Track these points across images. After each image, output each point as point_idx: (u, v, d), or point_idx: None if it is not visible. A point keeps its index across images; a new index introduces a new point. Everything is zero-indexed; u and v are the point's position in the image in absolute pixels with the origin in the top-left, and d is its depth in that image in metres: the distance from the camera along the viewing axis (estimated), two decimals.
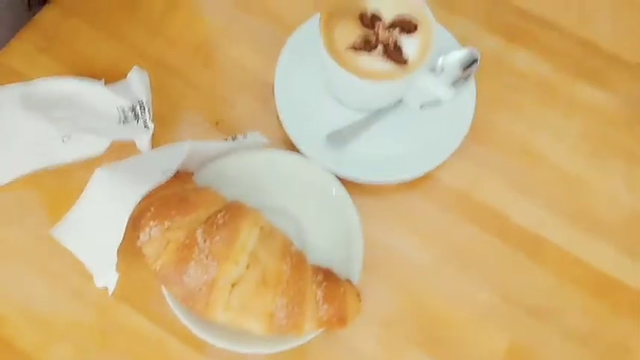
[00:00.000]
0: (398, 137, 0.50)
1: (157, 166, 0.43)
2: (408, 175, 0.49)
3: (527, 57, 0.55)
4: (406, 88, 0.48)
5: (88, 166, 0.48)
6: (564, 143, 0.52)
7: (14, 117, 0.50)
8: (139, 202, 0.41)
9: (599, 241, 0.49)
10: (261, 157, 0.48)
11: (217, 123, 0.52)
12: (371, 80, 0.44)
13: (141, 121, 0.50)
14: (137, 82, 0.51)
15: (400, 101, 0.50)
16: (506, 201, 0.50)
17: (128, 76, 0.52)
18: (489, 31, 0.57)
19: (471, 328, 0.47)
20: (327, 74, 0.49)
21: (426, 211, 0.50)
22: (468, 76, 0.51)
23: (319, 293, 0.41)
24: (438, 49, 0.47)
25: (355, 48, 0.45)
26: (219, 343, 0.41)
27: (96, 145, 0.48)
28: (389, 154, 0.50)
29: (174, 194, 0.42)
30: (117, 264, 0.41)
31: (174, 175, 0.44)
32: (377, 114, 0.50)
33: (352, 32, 0.46)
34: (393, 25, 0.46)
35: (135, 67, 0.52)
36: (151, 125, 0.50)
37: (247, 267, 0.39)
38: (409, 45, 0.46)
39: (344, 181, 0.48)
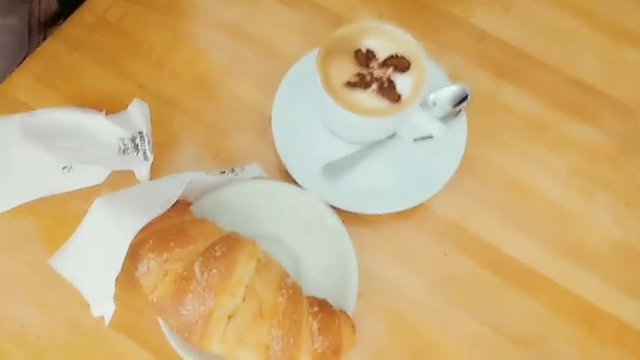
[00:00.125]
0: (392, 169, 0.52)
1: (156, 197, 0.44)
2: (401, 207, 0.50)
3: (516, 93, 0.57)
4: (400, 123, 0.50)
5: (87, 195, 0.49)
6: (553, 177, 0.54)
7: (15, 146, 0.51)
8: (138, 234, 0.41)
9: (587, 273, 0.50)
10: (258, 188, 0.49)
11: (217, 155, 0.53)
12: (366, 116, 0.46)
13: (140, 152, 0.51)
14: (138, 113, 0.52)
15: (394, 135, 0.52)
16: (497, 233, 0.51)
17: (129, 107, 0.53)
18: (479, 67, 0.59)
19: (461, 357, 0.47)
20: (323, 109, 0.50)
21: (419, 241, 0.51)
22: (459, 111, 0.52)
23: (315, 325, 0.41)
24: (430, 85, 0.49)
25: (351, 85, 0.47)
26: None
27: (96, 175, 0.49)
28: (383, 186, 0.51)
29: (173, 226, 0.42)
30: (115, 294, 0.41)
31: (173, 205, 0.45)
32: (371, 147, 0.52)
33: (348, 69, 0.47)
34: (387, 64, 0.48)
35: (135, 99, 0.53)
36: (150, 156, 0.51)
37: (244, 299, 0.40)
38: (403, 82, 0.47)
39: (339, 212, 0.49)
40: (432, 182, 0.51)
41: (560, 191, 0.53)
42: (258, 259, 0.43)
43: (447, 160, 0.52)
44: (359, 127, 0.49)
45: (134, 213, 0.43)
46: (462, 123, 0.53)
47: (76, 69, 0.56)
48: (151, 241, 0.41)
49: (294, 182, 0.50)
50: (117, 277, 0.41)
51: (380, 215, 0.51)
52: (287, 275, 0.44)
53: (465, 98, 0.53)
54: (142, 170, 0.50)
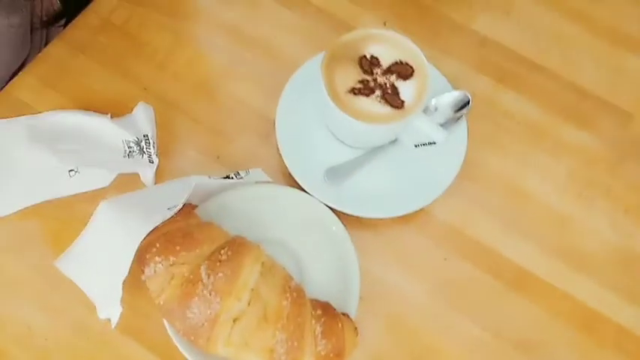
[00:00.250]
0: (393, 174, 0.52)
1: (162, 201, 0.45)
2: (402, 212, 0.51)
3: (517, 98, 0.58)
4: (402, 129, 0.50)
5: (92, 198, 0.49)
6: (553, 183, 0.55)
7: (20, 148, 0.51)
8: (145, 237, 0.42)
9: (586, 278, 0.51)
10: (262, 192, 0.50)
11: (218, 157, 0.54)
12: (369, 123, 0.46)
13: (146, 155, 0.51)
14: (143, 117, 0.53)
15: (396, 140, 0.53)
16: (497, 237, 0.52)
17: (134, 110, 0.54)
18: (480, 72, 0.59)
19: None
20: (327, 115, 0.51)
21: (420, 246, 0.52)
22: (460, 117, 0.53)
23: (318, 328, 0.42)
24: (432, 91, 0.49)
25: (355, 92, 0.47)
26: None
27: (101, 178, 0.50)
28: (385, 190, 0.52)
29: (179, 229, 0.43)
30: (122, 298, 0.42)
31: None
32: (374, 152, 0.52)
33: (352, 76, 0.48)
34: (390, 70, 0.48)
35: (141, 102, 0.54)
36: (155, 159, 0.51)
37: (249, 303, 0.41)
38: (406, 89, 0.48)
39: (341, 215, 0.49)
40: (433, 187, 0.51)
41: (559, 197, 0.54)
42: (263, 263, 0.43)
43: (448, 165, 0.52)
44: (362, 133, 0.49)
45: (140, 216, 0.44)
46: (462, 128, 0.53)
47: (81, 71, 0.57)
48: (157, 245, 0.41)
49: (298, 186, 0.51)
50: (124, 281, 0.41)
51: (381, 219, 0.52)
52: (291, 279, 0.44)
53: (466, 104, 0.54)
54: (148, 173, 0.51)
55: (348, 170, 0.52)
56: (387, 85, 0.48)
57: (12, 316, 0.48)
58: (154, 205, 0.45)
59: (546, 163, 0.55)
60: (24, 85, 0.56)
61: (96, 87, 0.56)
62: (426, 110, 0.52)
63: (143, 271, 0.42)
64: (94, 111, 0.54)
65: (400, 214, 0.51)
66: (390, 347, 0.48)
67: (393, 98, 0.47)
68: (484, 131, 0.56)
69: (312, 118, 0.54)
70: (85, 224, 0.47)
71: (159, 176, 0.52)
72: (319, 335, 0.42)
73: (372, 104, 0.47)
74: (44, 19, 0.63)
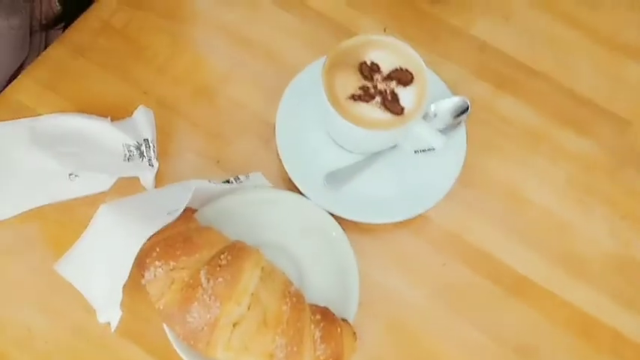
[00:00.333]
0: (393, 180, 0.53)
1: (162, 206, 0.45)
2: (401, 217, 0.51)
3: (516, 104, 0.58)
4: (402, 135, 0.51)
5: (92, 201, 0.49)
6: (551, 189, 0.55)
7: (21, 152, 0.51)
8: (145, 242, 0.42)
9: (584, 284, 0.51)
10: (261, 196, 0.50)
11: (218, 161, 0.54)
12: (369, 129, 0.46)
13: (146, 159, 0.51)
14: (143, 120, 0.53)
15: (395, 145, 0.53)
16: (496, 243, 0.52)
17: (134, 114, 0.54)
18: (479, 78, 0.59)
19: None
20: (327, 120, 0.51)
21: (419, 251, 0.52)
22: (459, 123, 0.53)
23: (317, 333, 0.42)
24: (431, 97, 0.50)
25: (355, 98, 0.48)
26: None
27: (102, 182, 0.50)
28: (384, 196, 0.52)
29: (179, 234, 0.43)
30: (122, 301, 0.42)
31: None
32: (373, 157, 0.53)
33: (352, 82, 0.48)
34: (390, 77, 0.48)
35: (141, 106, 0.54)
36: (155, 163, 0.51)
37: (249, 308, 0.41)
38: (405, 95, 0.48)
39: (340, 219, 0.50)
40: (432, 192, 0.52)
41: (558, 203, 0.54)
42: (263, 268, 0.43)
43: (447, 170, 0.52)
44: (362, 139, 0.50)
45: (140, 220, 0.44)
46: (461, 134, 0.54)
47: (81, 74, 0.57)
48: (157, 249, 0.42)
49: (297, 190, 0.51)
50: (124, 284, 0.42)
51: (380, 224, 0.52)
52: (290, 284, 0.44)
53: (465, 110, 0.54)
54: (148, 177, 0.51)
55: (347, 175, 0.52)
56: (387, 92, 0.48)
57: (12, 318, 0.48)
58: (154, 210, 0.45)
59: (545, 169, 0.56)
60: (24, 87, 0.56)
61: (96, 90, 0.56)
62: (425, 116, 0.52)
63: (143, 275, 0.42)
64: (94, 114, 0.54)
65: (399, 219, 0.51)
66: (388, 352, 0.48)
67: (392, 105, 0.48)
68: (483, 137, 0.56)
69: (312, 122, 0.54)
70: (85, 227, 0.47)
71: (158, 180, 0.52)
72: (318, 340, 0.42)
73: (372, 110, 0.47)
74: (43, 22, 0.63)
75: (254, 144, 0.55)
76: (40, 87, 0.56)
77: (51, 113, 0.54)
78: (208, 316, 0.40)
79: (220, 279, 0.41)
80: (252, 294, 0.41)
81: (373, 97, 0.48)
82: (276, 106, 0.54)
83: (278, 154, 0.52)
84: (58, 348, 0.47)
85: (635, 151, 0.57)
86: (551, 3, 0.63)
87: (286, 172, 0.51)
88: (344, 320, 0.45)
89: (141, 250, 0.42)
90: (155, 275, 0.41)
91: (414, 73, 0.49)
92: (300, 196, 0.50)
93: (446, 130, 0.53)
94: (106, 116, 0.54)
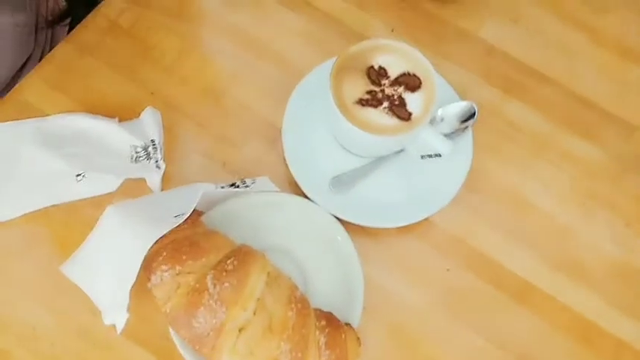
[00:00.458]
0: (398, 184, 0.53)
1: (169, 208, 0.45)
2: (406, 221, 0.51)
3: (522, 108, 0.58)
4: (409, 141, 0.51)
5: (99, 203, 0.50)
6: (556, 195, 0.55)
7: (27, 152, 0.51)
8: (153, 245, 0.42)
9: (587, 291, 0.51)
10: (267, 200, 0.50)
11: (224, 164, 0.54)
12: (376, 134, 0.47)
13: (152, 160, 0.52)
14: (150, 122, 0.53)
15: (401, 150, 0.53)
16: (499, 248, 0.52)
17: (141, 115, 0.54)
18: (486, 82, 0.59)
19: None
20: (334, 125, 0.51)
21: (423, 255, 0.52)
22: (466, 127, 0.53)
23: (322, 339, 0.43)
24: (439, 101, 0.50)
25: (362, 103, 0.48)
26: None
27: (109, 183, 0.50)
28: (390, 200, 0.52)
29: (186, 238, 0.43)
30: (129, 304, 0.42)
31: None
32: (379, 161, 0.53)
33: (359, 87, 0.48)
34: (398, 82, 0.48)
35: (149, 107, 0.54)
36: (162, 165, 0.52)
37: (254, 313, 0.41)
38: (413, 101, 0.48)
39: (345, 223, 0.50)
40: (438, 197, 0.52)
41: (562, 208, 0.54)
42: (269, 273, 0.44)
43: (453, 175, 0.52)
44: (369, 143, 0.50)
45: (147, 223, 0.44)
46: (468, 139, 0.54)
47: (89, 74, 0.57)
48: (164, 253, 0.42)
49: (303, 193, 0.51)
50: (132, 287, 0.42)
51: (385, 228, 0.52)
52: (296, 288, 0.45)
53: (472, 114, 0.54)
54: (154, 179, 0.51)
55: (353, 179, 0.52)
56: (395, 97, 0.48)
57: (18, 317, 0.48)
58: (161, 212, 0.45)
59: (550, 174, 0.56)
60: (31, 87, 0.56)
61: (103, 90, 0.56)
62: (432, 120, 0.52)
63: (149, 279, 0.42)
64: (102, 114, 0.54)
65: (404, 224, 0.51)
66: (392, 357, 0.49)
67: (400, 110, 0.48)
68: (489, 141, 0.56)
69: (319, 125, 0.54)
70: (92, 228, 0.47)
71: (165, 181, 0.52)
72: (323, 346, 0.42)
73: (380, 116, 0.48)
74: (49, 18, 0.63)
75: (260, 146, 0.55)
76: (47, 86, 0.56)
77: (58, 113, 0.54)
78: (214, 320, 0.40)
79: (227, 284, 0.41)
80: (258, 299, 0.42)
81: (381, 102, 0.48)
82: (282, 108, 0.54)
83: (284, 157, 0.52)
84: (64, 348, 0.47)
85: (639, 156, 0.57)
86: (559, 6, 0.62)
87: (292, 175, 0.51)
88: (348, 325, 0.45)
89: (148, 253, 0.42)
90: (162, 279, 0.41)
91: (422, 78, 0.49)
92: (306, 199, 0.50)
93: (452, 135, 0.53)
94: (113, 116, 0.54)
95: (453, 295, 0.51)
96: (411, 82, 0.49)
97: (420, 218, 0.51)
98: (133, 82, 0.57)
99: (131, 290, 0.42)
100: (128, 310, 0.43)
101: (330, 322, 0.44)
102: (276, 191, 0.51)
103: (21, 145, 0.52)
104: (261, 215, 0.49)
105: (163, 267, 0.41)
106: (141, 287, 0.43)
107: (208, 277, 0.41)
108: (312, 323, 0.43)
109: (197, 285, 0.41)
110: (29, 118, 0.53)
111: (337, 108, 0.47)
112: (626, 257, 0.53)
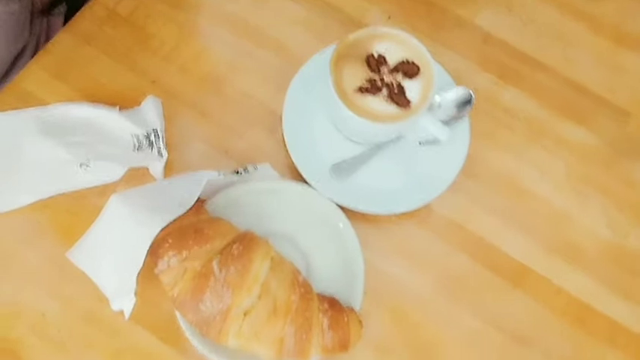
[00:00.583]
0: (397, 171, 0.54)
1: (174, 196, 0.46)
2: (406, 208, 0.52)
3: (518, 95, 0.59)
4: (407, 128, 0.51)
5: (103, 191, 0.51)
6: (551, 180, 0.56)
7: (30, 141, 0.52)
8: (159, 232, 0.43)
9: (581, 274, 0.53)
10: (269, 187, 0.51)
11: (226, 151, 0.55)
12: (376, 122, 0.47)
13: (155, 149, 0.52)
14: (152, 110, 0.53)
15: (400, 137, 0.54)
16: (497, 233, 0.54)
17: (142, 104, 0.54)
18: (482, 69, 0.60)
19: (461, 352, 0.50)
20: (334, 112, 0.52)
21: (422, 240, 0.53)
22: (463, 114, 0.54)
23: (325, 321, 0.44)
24: (436, 88, 0.50)
25: (362, 91, 0.48)
26: None
27: (112, 172, 0.51)
28: (389, 187, 0.53)
29: (191, 225, 0.44)
30: (136, 289, 0.43)
31: None
32: (378, 148, 0.53)
33: (359, 74, 0.49)
34: (396, 70, 0.49)
35: (150, 95, 0.54)
36: (165, 153, 0.52)
37: (259, 297, 0.42)
38: (412, 88, 0.49)
39: (345, 210, 0.51)
40: (436, 183, 0.53)
41: (557, 193, 0.56)
42: (272, 258, 0.45)
43: (451, 161, 0.53)
44: (368, 131, 0.51)
45: (152, 210, 0.45)
46: (465, 126, 0.54)
47: (89, 63, 0.57)
48: (170, 240, 0.43)
49: (303, 180, 0.52)
50: (138, 274, 0.43)
51: (385, 215, 0.53)
52: (299, 273, 0.46)
53: (469, 101, 0.55)
54: (157, 167, 0.51)
55: (352, 167, 0.53)
56: (394, 84, 0.49)
57: (27, 304, 0.49)
58: (165, 200, 0.46)
59: (545, 160, 0.57)
60: (31, 76, 0.56)
61: (103, 79, 0.56)
62: (430, 107, 0.53)
63: (156, 265, 0.43)
64: (103, 103, 0.54)
65: (404, 210, 0.52)
66: (393, 338, 0.50)
67: (399, 97, 0.48)
68: (485, 128, 0.57)
69: (319, 112, 0.54)
70: (96, 217, 0.48)
71: (167, 169, 0.53)
72: (326, 328, 0.44)
73: (379, 103, 0.48)
74: (43, 8, 0.63)
75: (261, 134, 0.56)
76: (48, 76, 0.56)
77: (59, 102, 0.54)
78: (220, 304, 0.41)
79: (232, 269, 0.42)
80: (262, 284, 0.43)
81: (380, 90, 0.48)
82: (282, 95, 0.54)
83: (284, 144, 0.53)
84: (72, 334, 0.48)
85: (633, 141, 0.58)
86: None
87: (292, 162, 0.52)
88: (350, 308, 0.46)
89: (154, 240, 0.43)
90: (169, 265, 0.42)
91: (420, 65, 0.50)
92: (307, 187, 0.51)
93: (450, 122, 0.54)
94: (114, 105, 0.54)
95: (451, 279, 0.52)
96: (409, 70, 0.49)
97: (419, 204, 0.52)
98: (133, 71, 0.57)
99: (138, 276, 0.43)
100: (136, 295, 0.43)
101: (333, 305, 0.45)
102: (278, 178, 0.51)
103: (23, 135, 0.52)
104: (263, 202, 0.50)
105: (170, 253, 0.42)
106: (147, 273, 0.44)
107: (214, 262, 0.42)
108: (315, 306, 0.44)
109: (203, 270, 0.42)
110: (30, 106, 0.53)
111: (338, 96, 0.47)
112: (619, 241, 0.54)
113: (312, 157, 0.53)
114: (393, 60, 0.50)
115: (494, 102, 0.59)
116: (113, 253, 0.46)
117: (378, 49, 0.50)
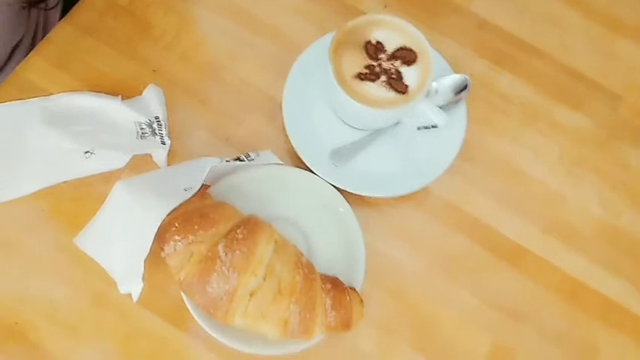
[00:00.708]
0: (396, 155, 0.55)
1: (178, 182, 0.47)
2: (404, 191, 0.53)
3: (513, 80, 0.60)
4: (406, 113, 0.53)
5: (107, 178, 0.51)
6: (546, 162, 0.57)
7: (34, 131, 0.52)
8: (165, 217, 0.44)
9: (575, 252, 0.54)
10: (271, 173, 0.52)
11: (227, 139, 0.56)
12: (375, 108, 0.48)
13: (158, 136, 0.53)
14: (153, 98, 0.54)
15: (398, 122, 0.55)
16: (493, 214, 0.55)
17: (144, 92, 0.55)
18: (478, 55, 0.61)
19: (459, 329, 0.52)
20: (333, 99, 0.53)
21: (420, 222, 0.55)
22: (460, 100, 0.55)
23: (328, 301, 0.45)
24: (434, 74, 0.51)
25: (361, 77, 0.49)
26: (236, 346, 0.45)
27: (117, 160, 0.51)
28: (388, 171, 0.54)
29: (196, 210, 0.45)
30: (144, 274, 0.44)
31: None
32: (377, 133, 0.55)
33: (358, 61, 0.50)
34: (394, 56, 0.50)
35: (151, 84, 0.55)
36: (168, 141, 0.53)
37: (264, 278, 0.44)
38: (410, 74, 0.50)
39: (346, 194, 0.52)
40: (434, 167, 0.54)
41: (552, 176, 0.57)
42: (276, 241, 0.46)
43: (448, 146, 0.54)
44: (367, 117, 0.52)
45: (157, 196, 0.46)
46: (462, 111, 0.56)
47: (90, 53, 0.58)
48: (176, 224, 0.44)
49: (304, 165, 0.53)
50: (146, 258, 0.44)
51: (384, 198, 0.54)
52: (301, 254, 0.47)
53: (465, 87, 0.56)
54: (160, 154, 0.52)
55: (352, 151, 0.54)
56: (392, 71, 0.50)
57: (36, 290, 0.50)
58: (170, 186, 0.47)
59: (540, 143, 0.58)
60: (34, 66, 0.57)
61: (105, 69, 0.57)
62: (427, 93, 0.54)
63: (163, 249, 0.44)
64: (105, 92, 0.55)
65: (402, 193, 0.53)
66: (393, 317, 0.51)
67: (397, 83, 0.49)
68: (482, 113, 0.58)
69: (318, 99, 0.55)
70: (102, 204, 0.48)
71: (170, 157, 0.54)
72: (329, 307, 0.45)
73: (378, 89, 0.49)
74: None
75: (261, 120, 0.57)
76: (50, 66, 0.57)
77: (61, 92, 0.55)
78: (227, 286, 0.43)
79: (237, 252, 0.43)
80: (267, 265, 0.44)
81: (378, 76, 0.49)
82: (281, 83, 0.55)
83: (284, 131, 0.54)
84: (81, 318, 0.49)
85: (625, 124, 0.59)
86: None
87: (293, 148, 0.53)
88: (352, 288, 0.48)
89: (160, 225, 0.44)
90: (175, 249, 0.43)
91: (417, 51, 0.51)
92: (309, 172, 0.52)
93: (447, 107, 0.55)
94: (116, 94, 0.55)
95: (448, 259, 0.54)
96: (407, 56, 0.50)
97: (417, 187, 0.53)
98: (134, 61, 0.58)
99: (146, 260, 0.44)
100: (143, 279, 0.45)
101: (335, 285, 0.46)
102: (279, 164, 0.52)
103: (27, 125, 0.53)
104: (266, 188, 0.51)
105: (176, 237, 0.43)
106: (154, 258, 0.45)
107: (220, 246, 0.43)
108: (319, 286, 0.45)
109: (209, 253, 0.43)
110: (33, 96, 0.54)
111: (337, 82, 0.48)
112: (612, 220, 0.56)
113: (312, 143, 0.54)
114: (391, 47, 0.51)
115: (490, 87, 0.60)
116: (120, 239, 0.47)
117: (376, 36, 0.51)
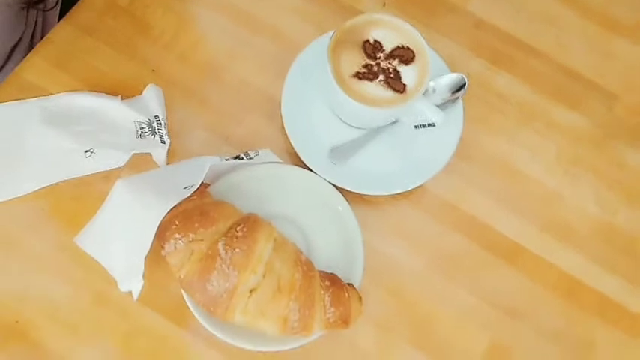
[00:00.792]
0: (394, 153, 0.55)
1: (178, 181, 0.47)
2: (401, 189, 0.54)
3: (510, 80, 0.61)
4: (403, 112, 0.53)
5: (107, 177, 0.52)
6: (542, 161, 0.58)
7: (34, 131, 0.53)
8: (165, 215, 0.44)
9: (572, 250, 0.55)
10: (270, 172, 0.52)
11: (227, 138, 0.56)
12: (373, 107, 0.49)
13: (157, 136, 0.53)
14: (153, 98, 0.54)
15: (396, 121, 0.55)
16: (490, 212, 0.55)
17: (144, 92, 0.55)
18: (475, 54, 0.62)
19: (456, 327, 0.52)
20: (332, 98, 0.53)
21: (417, 220, 0.55)
22: (457, 98, 0.56)
23: (327, 298, 0.45)
24: (431, 73, 0.52)
25: (359, 76, 0.50)
26: (236, 342, 0.46)
27: (117, 159, 0.52)
28: (386, 169, 0.54)
29: (195, 208, 0.46)
30: (144, 272, 0.45)
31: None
32: (375, 132, 0.55)
33: (356, 60, 0.50)
34: (392, 56, 0.51)
35: (151, 84, 0.55)
36: (167, 140, 0.53)
37: (264, 275, 0.44)
38: (407, 73, 0.50)
39: (344, 192, 0.52)
40: (431, 166, 0.54)
41: (549, 175, 0.57)
42: (275, 239, 0.46)
43: (445, 144, 0.55)
44: (366, 115, 0.52)
45: (157, 195, 0.46)
46: (458, 109, 0.56)
47: (90, 53, 0.58)
48: (176, 222, 0.44)
49: (303, 164, 0.53)
50: (146, 256, 0.44)
51: (382, 196, 0.55)
52: (301, 253, 0.47)
53: (462, 86, 0.56)
54: (160, 154, 0.53)
55: (350, 150, 0.54)
56: (390, 70, 0.50)
57: (36, 289, 0.50)
58: (170, 185, 0.47)
59: (536, 142, 0.59)
60: (33, 66, 0.57)
61: (105, 68, 0.57)
62: (425, 92, 0.54)
63: (163, 247, 0.44)
64: (104, 92, 0.55)
65: (400, 191, 0.54)
66: (391, 314, 0.52)
67: (395, 82, 0.50)
68: (479, 112, 0.59)
69: (317, 98, 0.56)
70: (102, 203, 0.49)
71: (170, 156, 0.54)
72: (328, 304, 0.45)
73: (376, 88, 0.50)
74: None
75: (261, 120, 0.57)
76: (50, 66, 0.57)
77: (61, 92, 0.55)
78: (227, 283, 0.43)
79: (237, 249, 0.43)
80: (266, 263, 0.44)
81: (377, 76, 0.50)
82: (280, 82, 0.56)
83: (283, 129, 0.54)
84: (81, 316, 0.50)
85: (621, 123, 0.60)
86: None
87: (292, 147, 0.54)
88: (350, 285, 0.48)
89: (160, 223, 0.44)
90: (175, 247, 0.44)
91: (415, 51, 0.51)
92: (307, 171, 0.52)
93: (444, 106, 0.55)
94: (116, 94, 0.55)
95: (446, 257, 0.54)
96: (405, 55, 0.51)
97: (415, 186, 0.54)
98: (133, 60, 0.58)
99: (146, 258, 0.44)
100: (144, 277, 0.45)
101: (334, 282, 0.47)
102: (278, 162, 0.53)
103: (27, 124, 0.53)
104: (265, 186, 0.52)
105: (176, 235, 0.44)
106: (154, 256, 0.45)
107: (220, 244, 0.44)
108: (318, 283, 0.46)
109: (209, 251, 0.44)
110: (33, 96, 0.54)
111: (335, 81, 0.49)
112: (608, 218, 0.56)
113: (310, 141, 0.54)
114: (388, 46, 0.51)
115: (487, 87, 0.60)
116: (121, 238, 0.47)
117: (374, 35, 0.51)
